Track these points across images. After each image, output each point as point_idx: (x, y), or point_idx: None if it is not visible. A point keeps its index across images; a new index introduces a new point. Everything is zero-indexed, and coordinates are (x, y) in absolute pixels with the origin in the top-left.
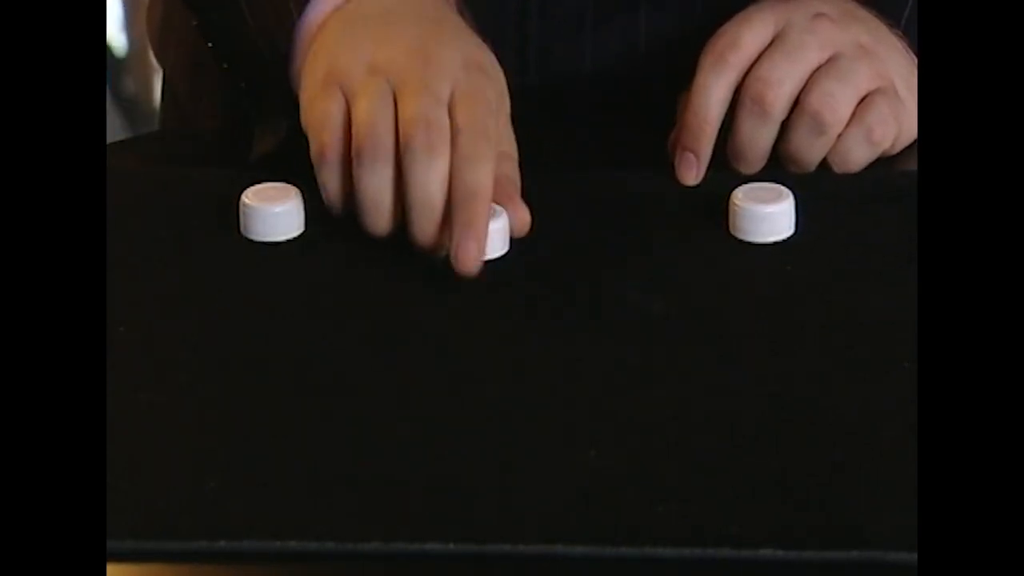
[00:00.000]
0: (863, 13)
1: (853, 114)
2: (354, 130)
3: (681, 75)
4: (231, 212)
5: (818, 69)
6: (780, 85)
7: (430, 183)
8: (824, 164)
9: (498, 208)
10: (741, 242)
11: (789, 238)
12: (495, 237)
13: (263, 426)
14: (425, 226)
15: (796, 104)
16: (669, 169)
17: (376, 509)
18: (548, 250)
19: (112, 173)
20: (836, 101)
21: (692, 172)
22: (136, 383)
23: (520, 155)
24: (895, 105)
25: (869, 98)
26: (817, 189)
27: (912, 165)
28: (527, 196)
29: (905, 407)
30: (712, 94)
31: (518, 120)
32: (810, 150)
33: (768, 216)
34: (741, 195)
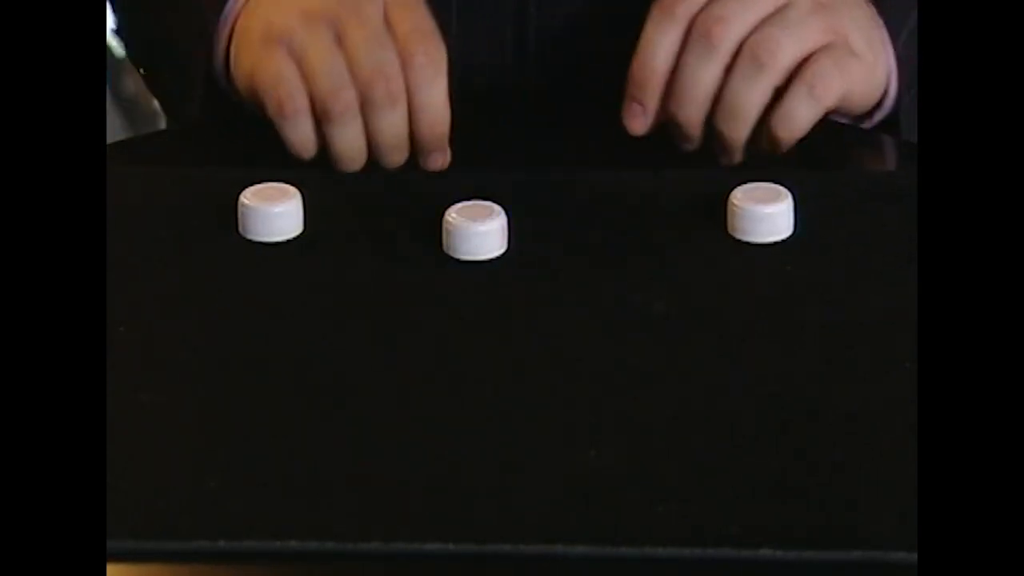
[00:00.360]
0: None
1: (796, 71)
2: (314, 88)
3: None
4: (231, 212)
5: (768, 17)
6: (728, 23)
7: (396, 128)
8: (771, 140)
9: (497, 208)
10: (741, 242)
11: (789, 238)
12: (494, 237)
13: (263, 426)
14: (397, 159)
15: (739, 47)
16: (669, 169)
17: (376, 509)
18: (548, 250)
19: (112, 173)
20: (777, 45)
21: (639, 121)
22: (136, 383)
23: (520, 154)
24: (842, 60)
25: (813, 55)
26: (817, 189)
27: (912, 165)
28: (527, 196)
29: (905, 407)
30: (659, 45)
31: (498, 122)
32: (748, 94)
33: (768, 216)
34: (740, 195)
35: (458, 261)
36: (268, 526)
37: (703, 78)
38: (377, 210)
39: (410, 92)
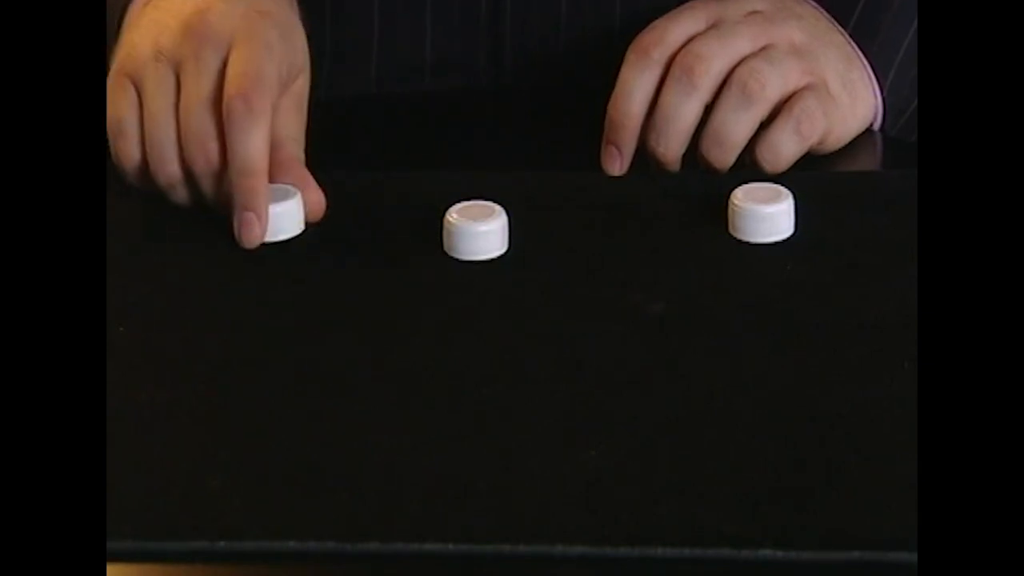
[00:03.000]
0: (802, 9)
1: (781, 106)
2: (147, 152)
3: None
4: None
5: (749, 55)
6: (709, 60)
7: (221, 191)
8: (755, 164)
9: (497, 208)
10: (741, 242)
11: (789, 238)
12: (491, 237)
13: (263, 426)
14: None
15: (724, 81)
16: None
17: (376, 509)
18: (548, 250)
19: (112, 173)
20: (764, 77)
21: (616, 164)
22: (136, 383)
23: (505, 157)
24: (824, 100)
25: (798, 93)
26: (817, 189)
27: (912, 165)
28: (526, 196)
29: (905, 407)
30: (635, 89)
31: (498, 122)
32: (736, 125)
33: (768, 216)
34: (741, 195)
35: (458, 261)
36: (268, 526)
37: (684, 115)
38: (377, 210)
39: (227, 142)
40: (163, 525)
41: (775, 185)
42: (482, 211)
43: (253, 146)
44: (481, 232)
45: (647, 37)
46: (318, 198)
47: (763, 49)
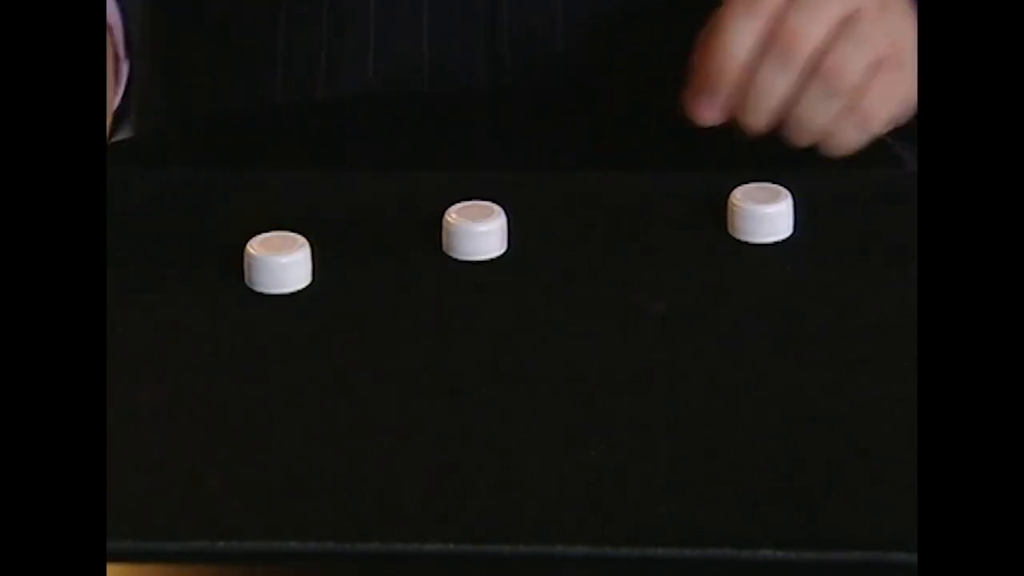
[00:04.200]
0: None
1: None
2: None
3: (659, 50)
4: (231, 212)
5: (840, 31)
6: (808, 39)
7: None
8: (816, 152)
9: (497, 208)
10: (741, 242)
11: (788, 238)
12: (490, 237)
13: (263, 426)
14: None
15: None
16: (669, 169)
17: (376, 509)
18: (548, 250)
19: (112, 174)
20: (850, 67)
21: (710, 112)
22: (136, 383)
23: (505, 157)
24: (894, 83)
25: (872, 83)
26: (817, 189)
27: (912, 165)
28: (526, 196)
29: (905, 407)
30: (741, 35)
31: (498, 122)
32: (817, 114)
33: (767, 216)
34: (740, 195)
35: (458, 261)
36: (268, 526)
37: (779, 91)
38: (377, 210)
39: None
40: (163, 525)
41: (774, 185)
42: (481, 211)
43: None
44: (481, 232)
45: None
46: None
47: (853, 17)
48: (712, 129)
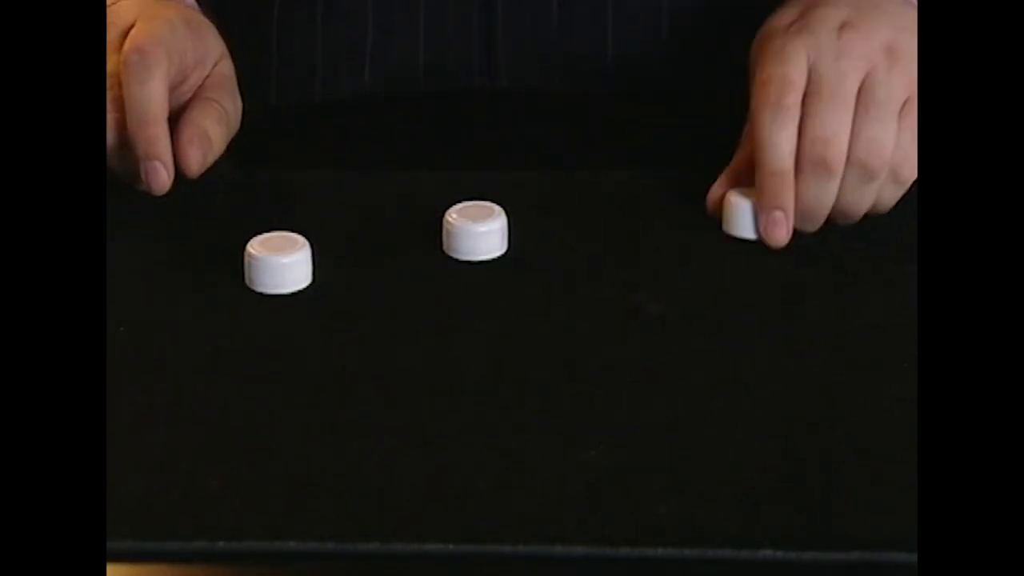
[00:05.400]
0: None
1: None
2: None
3: (659, 58)
4: (230, 211)
5: (859, 105)
6: (836, 140)
7: (111, 126)
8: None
9: (497, 208)
10: (741, 242)
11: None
12: (490, 237)
13: (263, 426)
14: (115, 161)
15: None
16: (668, 169)
17: (376, 509)
18: (548, 250)
19: (112, 173)
20: (881, 146)
21: (783, 231)
22: (136, 383)
23: (505, 157)
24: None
25: (903, 134)
26: None
27: None
28: (525, 196)
29: (905, 407)
30: (783, 145)
31: (498, 122)
32: (861, 199)
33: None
34: (737, 193)
35: (458, 262)
36: (268, 526)
37: (827, 201)
38: (377, 210)
39: (124, 95)
40: (163, 525)
41: None
42: (482, 212)
43: (148, 95)
44: (481, 232)
45: (771, 89)
46: (186, 160)
47: (868, 88)
48: (712, 129)
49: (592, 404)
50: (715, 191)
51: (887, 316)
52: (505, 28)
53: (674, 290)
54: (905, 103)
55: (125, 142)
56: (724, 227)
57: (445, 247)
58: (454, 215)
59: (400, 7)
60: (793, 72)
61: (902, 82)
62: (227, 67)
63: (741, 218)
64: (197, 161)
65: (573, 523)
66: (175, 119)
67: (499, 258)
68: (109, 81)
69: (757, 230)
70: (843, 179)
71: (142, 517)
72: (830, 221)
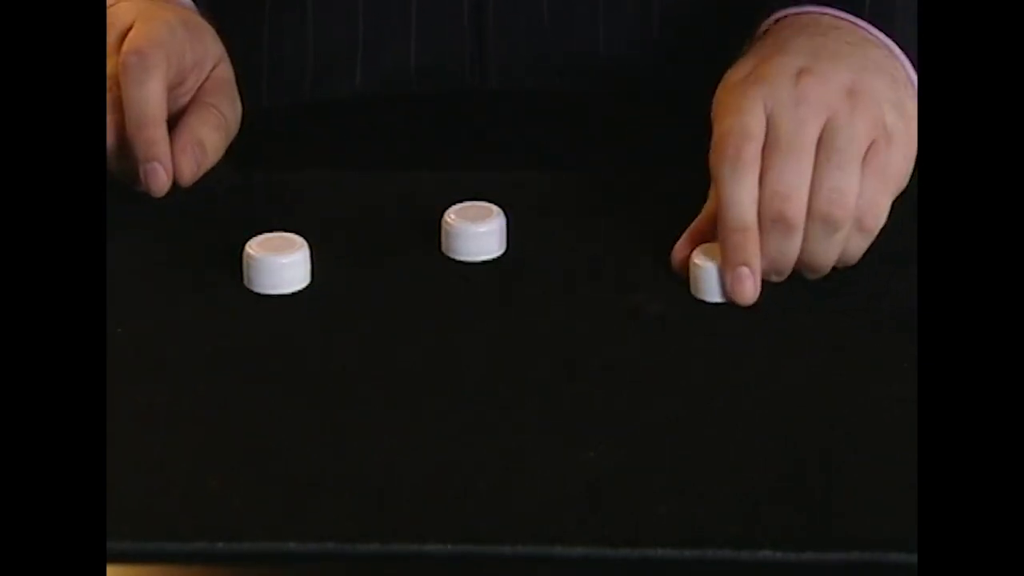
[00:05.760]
0: (834, 37)
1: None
2: None
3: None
4: (230, 211)
5: (820, 154)
6: (795, 194)
7: (111, 128)
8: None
9: (496, 209)
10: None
11: None
12: (489, 238)
13: (263, 426)
14: (114, 162)
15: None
16: (668, 169)
17: (376, 510)
18: (547, 250)
19: (111, 175)
20: (843, 196)
21: (750, 286)
22: (136, 383)
23: (504, 158)
24: (884, 170)
25: (866, 180)
26: None
27: None
28: (525, 196)
29: (905, 407)
30: (743, 200)
31: (496, 123)
32: (827, 252)
33: None
34: (702, 254)
35: (457, 262)
36: (268, 526)
37: (791, 255)
38: (376, 210)
39: (122, 96)
40: (163, 525)
41: None
42: (480, 212)
43: (146, 96)
44: (480, 233)
45: (729, 142)
46: (180, 168)
47: (828, 135)
48: (710, 129)
49: (592, 404)
50: (679, 251)
51: (887, 316)
52: (497, 29)
53: (674, 290)
54: (870, 147)
55: (124, 144)
56: (692, 290)
57: (444, 247)
58: (453, 215)
59: (391, 9)
60: (751, 123)
61: (864, 126)
62: (226, 70)
63: (707, 282)
64: (190, 170)
65: (573, 523)
66: (174, 121)
67: (498, 258)
68: (108, 83)
69: (724, 291)
70: (807, 232)
71: (142, 517)
72: (796, 273)
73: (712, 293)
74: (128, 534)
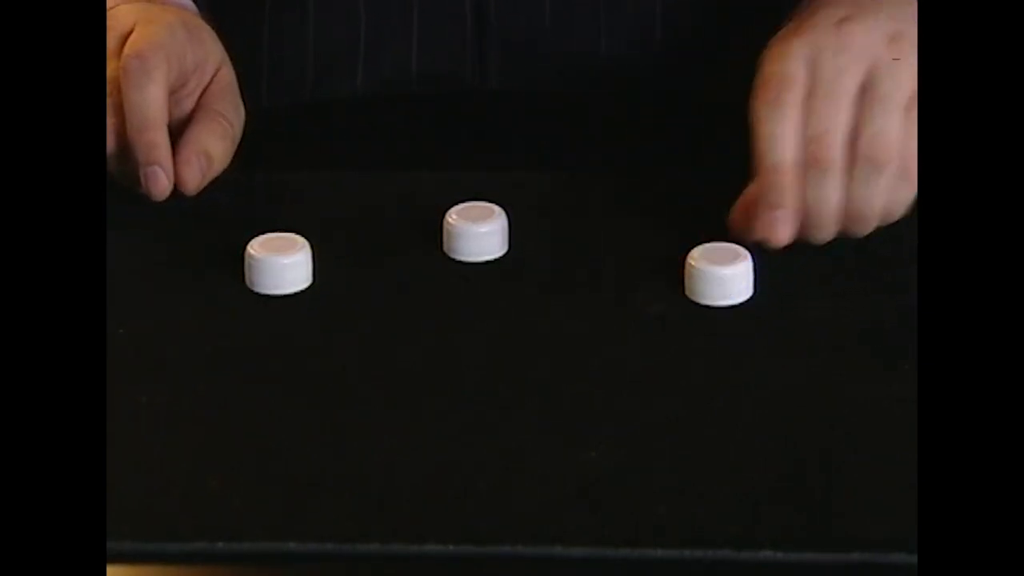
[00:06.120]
0: None
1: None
2: None
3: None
4: (230, 211)
5: (863, 100)
6: (829, 135)
7: (111, 131)
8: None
9: (497, 209)
10: (740, 242)
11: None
12: (491, 238)
13: (263, 426)
14: (114, 164)
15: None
16: (668, 169)
17: (375, 510)
18: (547, 251)
19: (112, 178)
20: (886, 139)
21: (788, 229)
22: (136, 383)
23: (505, 158)
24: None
25: (911, 126)
26: None
27: None
28: (526, 197)
29: (905, 407)
30: (780, 139)
31: (497, 123)
32: (870, 199)
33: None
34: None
35: (458, 262)
36: (268, 526)
37: (831, 201)
38: (377, 211)
39: (123, 100)
40: (163, 526)
41: None
42: (482, 212)
43: (147, 100)
44: (481, 233)
45: (770, 86)
46: (182, 176)
47: (870, 82)
48: (710, 130)
49: (592, 404)
50: (736, 219)
51: (887, 316)
52: (497, 30)
53: (674, 291)
54: (914, 99)
55: (125, 147)
56: (686, 292)
57: (445, 247)
58: (454, 216)
59: (392, 9)
60: (792, 68)
61: (908, 73)
62: (229, 73)
63: (704, 283)
64: (194, 181)
65: (573, 523)
66: (178, 125)
67: (499, 259)
68: (108, 87)
69: (717, 295)
70: (851, 177)
71: (142, 517)
72: (842, 231)
73: (707, 296)
74: (128, 534)
